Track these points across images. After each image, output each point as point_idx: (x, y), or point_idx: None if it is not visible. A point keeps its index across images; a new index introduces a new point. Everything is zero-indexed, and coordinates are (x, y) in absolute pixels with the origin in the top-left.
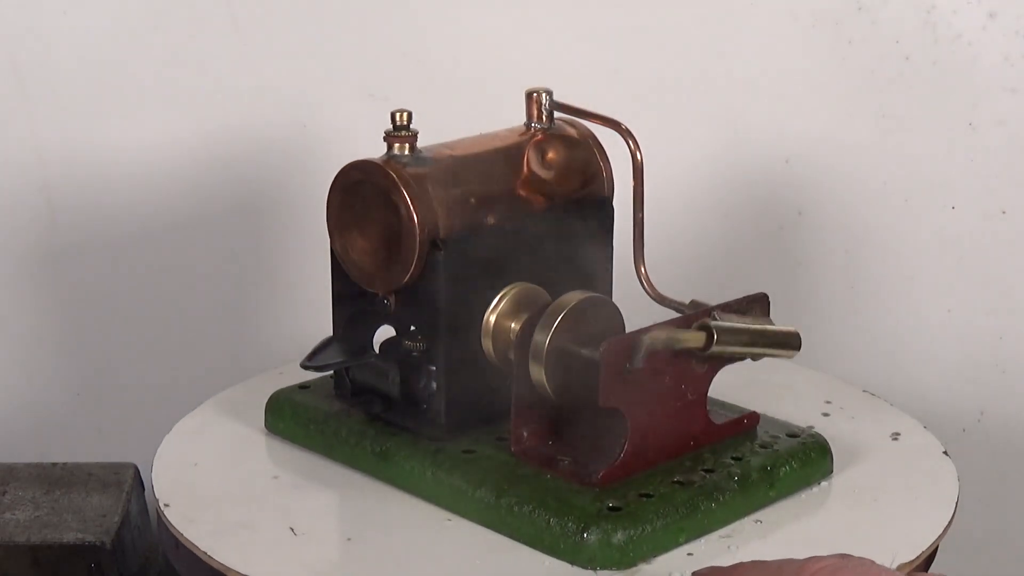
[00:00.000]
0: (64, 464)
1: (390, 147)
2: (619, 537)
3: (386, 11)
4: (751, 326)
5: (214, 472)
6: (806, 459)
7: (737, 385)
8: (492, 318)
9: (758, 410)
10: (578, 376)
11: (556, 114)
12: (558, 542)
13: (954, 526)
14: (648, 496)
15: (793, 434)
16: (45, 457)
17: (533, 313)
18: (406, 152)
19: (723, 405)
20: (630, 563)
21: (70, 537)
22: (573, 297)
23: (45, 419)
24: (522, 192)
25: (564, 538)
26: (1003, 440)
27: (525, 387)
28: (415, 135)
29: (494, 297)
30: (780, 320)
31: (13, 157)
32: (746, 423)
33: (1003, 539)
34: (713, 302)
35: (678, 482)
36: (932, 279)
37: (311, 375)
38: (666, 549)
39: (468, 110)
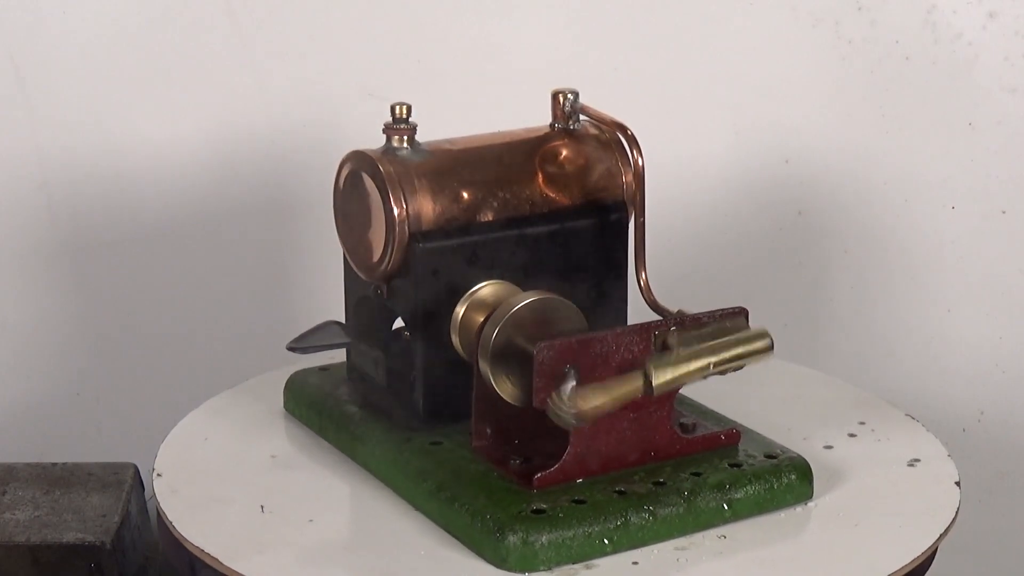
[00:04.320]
0: (64, 464)
1: (388, 139)
2: (533, 540)
3: (386, 11)
4: (697, 360)
5: (219, 448)
6: (776, 481)
7: (769, 398)
8: (461, 311)
9: (782, 425)
10: (526, 376)
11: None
12: (481, 540)
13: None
14: (580, 502)
15: (772, 455)
16: (45, 457)
17: (492, 310)
18: (404, 144)
19: (719, 419)
20: (545, 566)
21: (70, 537)
22: (527, 296)
23: (45, 419)
24: (528, 191)
25: (485, 536)
26: (1003, 440)
27: (486, 383)
28: (413, 128)
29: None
30: (779, 319)
31: (13, 156)
32: (724, 439)
33: (1003, 539)
34: (711, 302)
35: (619, 491)
36: (932, 279)
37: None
38: (589, 556)
39: (468, 110)
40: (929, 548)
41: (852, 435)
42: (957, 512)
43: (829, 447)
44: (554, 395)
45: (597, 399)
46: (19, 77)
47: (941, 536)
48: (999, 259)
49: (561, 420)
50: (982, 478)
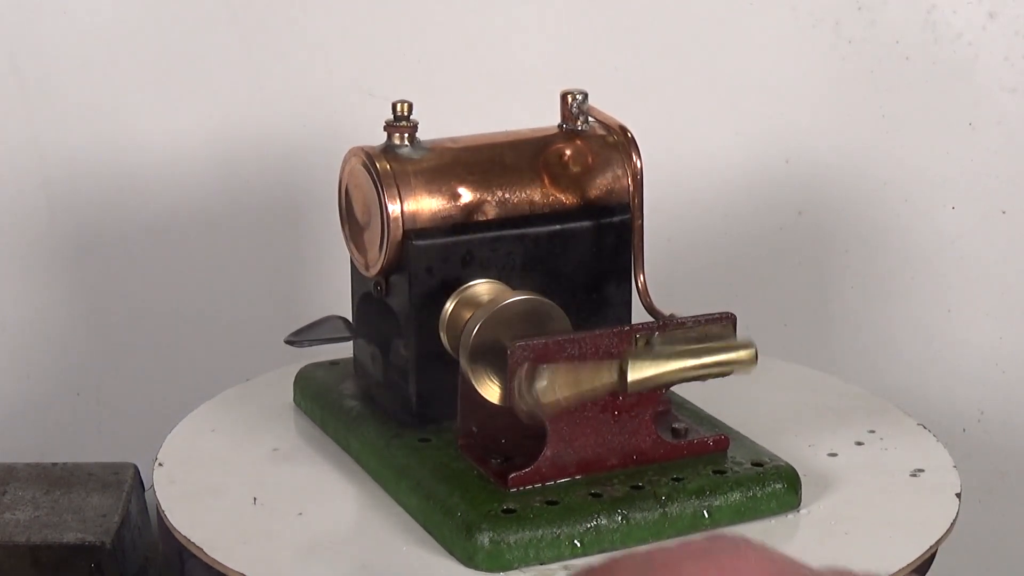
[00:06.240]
0: (64, 464)
1: (389, 137)
2: (501, 539)
3: (386, 11)
4: (677, 361)
5: (224, 439)
6: (759, 489)
7: (780, 403)
8: (450, 308)
9: (789, 431)
10: (503, 375)
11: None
12: (452, 538)
13: (955, 526)
14: (553, 503)
15: (759, 462)
16: (45, 457)
17: (478, 309)
18: (404, 142)
19: (715, 424)
20: (514, 566)
21: (70, 537)
22: (510, 296)
23: (45, 419)
24: (529, 191)
25: (456, 534)
26: (1003, 440)
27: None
28: (414, 126)
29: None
30: (779, 319)
31: (13, 156)
32: (712, 445)
33: (1003, 539)
34: (710, 302)
35: (594, 494)
36: (932, 279)
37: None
38: (559, 558)
39: (468, 110)
40: (917, 559)
41: (859, 443)
42: (953, 524)
43: (833, 455)
44: (521, 382)
45: (565, 388)
46: (19, 77)
47: (932, 547)
48: (999, 259)
49: (524, 406)
50: (982, 478)
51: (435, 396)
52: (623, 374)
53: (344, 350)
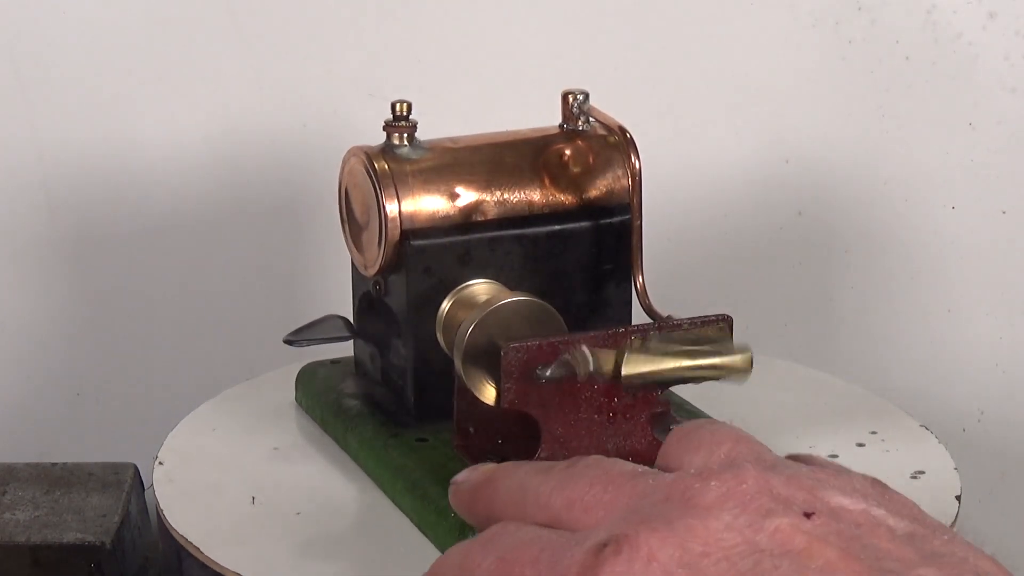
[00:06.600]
0: (64, 464)
1: (388, 137)
2: None
3: (386, 11)
4: (672, 360)
5: (225, 438)
6: None
7: (783, 403)
8: (446, 308)
9: (791, 432)
10: (497, 376)
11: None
12: (445, 538)
13: (955, 526)
14: None
15: None
16: (45, 457)
17: (472, 310)
18: (403, 142)
19: None
20: None
21: (70, 537)
22: (505, 297)
23: (45, 419)
24: (529, 191)
25: (449, 534)
26: (1003, 440)
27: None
28: (414, 125)
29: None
30: (779, 319)
31: (12, 156)
32: None
33: (1003, 539)
34: (710, 302)
35: None
36: (932, 279)
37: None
38: None
39: (468, 110)
40: None
41: (860, 444)
42: (952, 525)
43: (834, 456)
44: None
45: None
46: (19, 76)
47: None
48: (999, 259)
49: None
50: (982, 478)
51: (433, 396)
52: (617, 368)
53: (346, 349)
